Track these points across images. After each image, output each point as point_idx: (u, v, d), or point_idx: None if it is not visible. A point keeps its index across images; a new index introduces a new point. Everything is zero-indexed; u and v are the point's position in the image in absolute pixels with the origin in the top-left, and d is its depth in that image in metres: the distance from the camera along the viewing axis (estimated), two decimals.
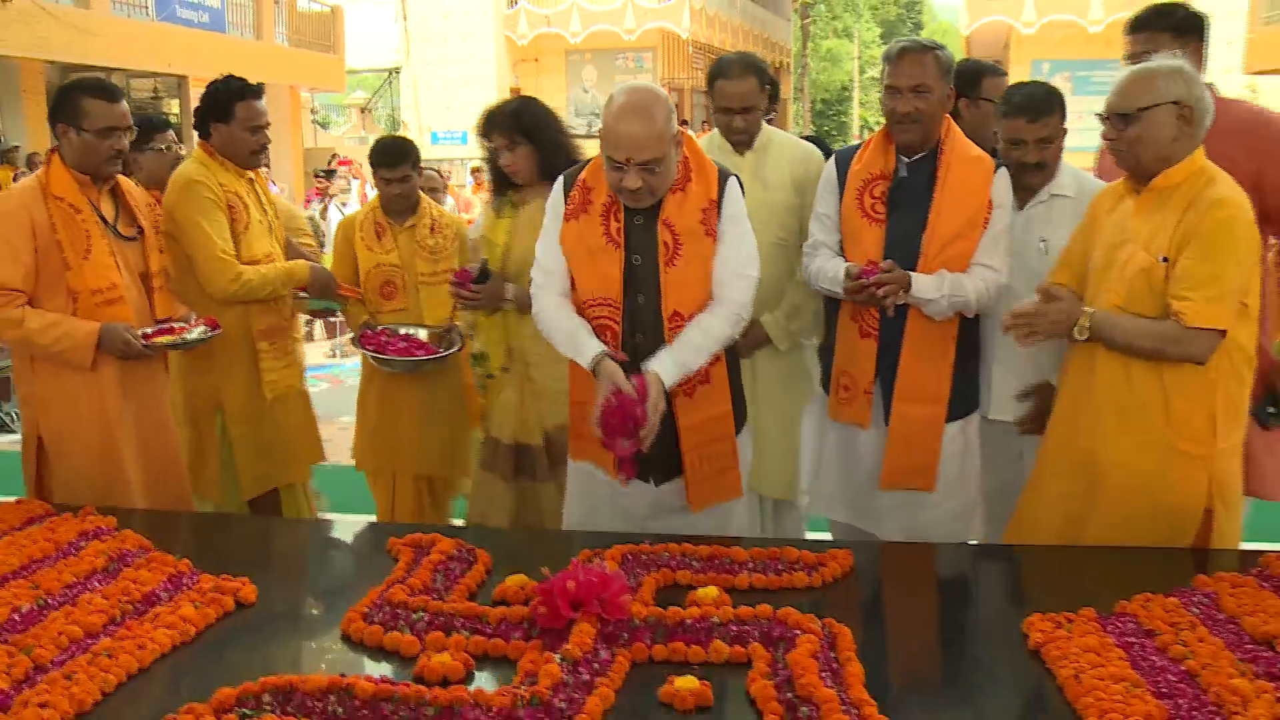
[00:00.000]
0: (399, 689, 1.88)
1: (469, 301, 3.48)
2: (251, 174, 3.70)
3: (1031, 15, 25.11)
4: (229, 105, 3.55)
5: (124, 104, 3.19)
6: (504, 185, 3.58)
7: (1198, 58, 3.14)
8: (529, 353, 3.47)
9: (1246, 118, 3.14)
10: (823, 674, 1.95)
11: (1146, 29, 3.17)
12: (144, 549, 2.60)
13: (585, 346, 2.74)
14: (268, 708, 1.86)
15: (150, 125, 4.14)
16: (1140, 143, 2.66)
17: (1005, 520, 3.33)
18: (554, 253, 2.85)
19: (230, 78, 3.65)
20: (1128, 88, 2.69)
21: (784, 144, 3.57)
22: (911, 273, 2.94)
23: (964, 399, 3.09)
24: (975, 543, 3.23)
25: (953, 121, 3.04)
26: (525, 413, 3.52)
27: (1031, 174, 3.12)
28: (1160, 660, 2.06)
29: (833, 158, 3.19)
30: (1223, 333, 2.58)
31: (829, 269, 3.07)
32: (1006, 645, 2.20)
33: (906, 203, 2.99)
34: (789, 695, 1.90)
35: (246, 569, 2.50)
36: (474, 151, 24.75)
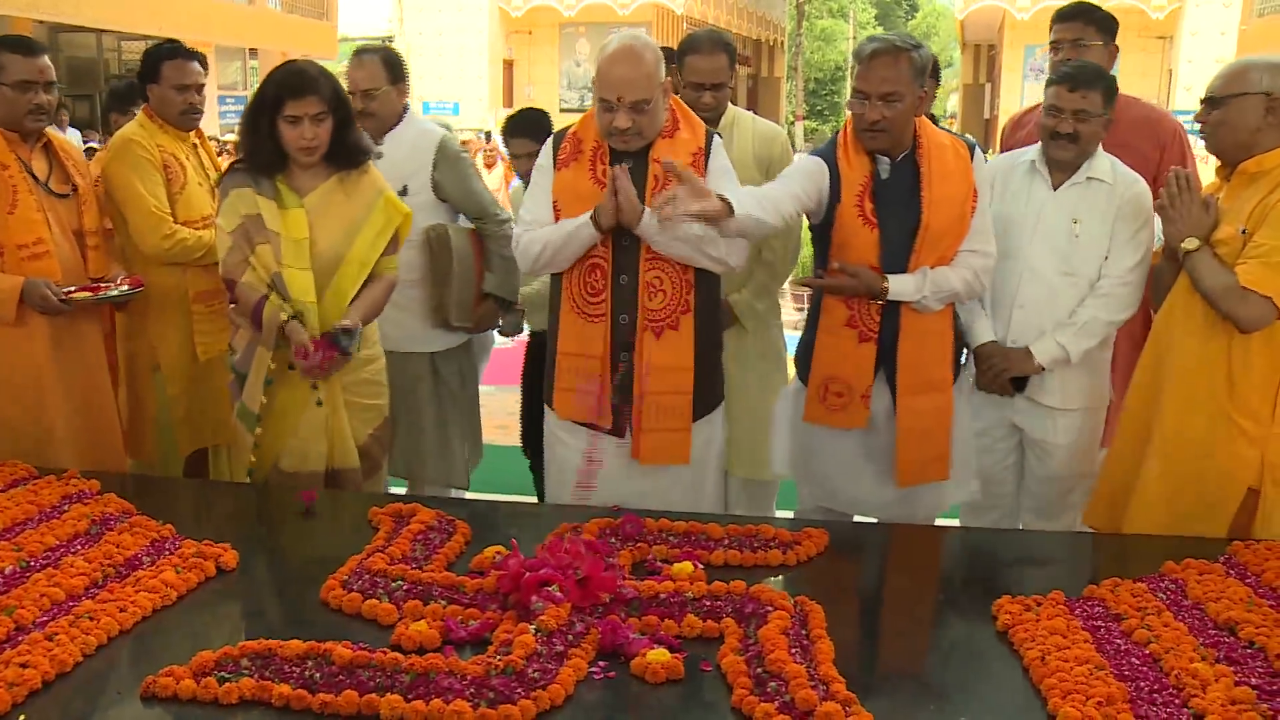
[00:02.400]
0: (375, 656, 1.92)
1: (333, 370, 2.97)
2: (196, 139, 3.73)
3: (1026, 0, 25.05)
4: (157, 66, 3.59)
5: (43, 60, 3.22)
6: (271, 165, 3.01)
7: (1113, 57, 3.51)
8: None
9: (1150, 112, 3.62)
10: (792, 650, 1.99)
11: (1076, 19, 3.50)
12: (127, 513, 2.62)
13: (576, 220, 2.83)
14: (246, 672, 1.89)
15: (131, 91, 4.20)
16: (1223, 127, 2.79)
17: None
18: (542, 207, 2.93)
19: (166, 41, 3.69)
20: (1225, 73, 2.82)
21: (748, 123, 3.59)
22: (890, 275, 2.87)
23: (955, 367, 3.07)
24: (954, 524, 3.27)
25: (922, 117, 2.95)
26: (340, 433, 3.08)
27: (1061, 145, 3.05)
28: (1125, 644, 2.10)
29: (819, 158, 2.99)
30: (1272, 303, 2.67)
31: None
32: (977, 626, 2.24)
33: (894, 204, 2.89)
34: (758, 670, 1.94)
35: (229, 535, 2.52)
36: (466, 122, 24.69)
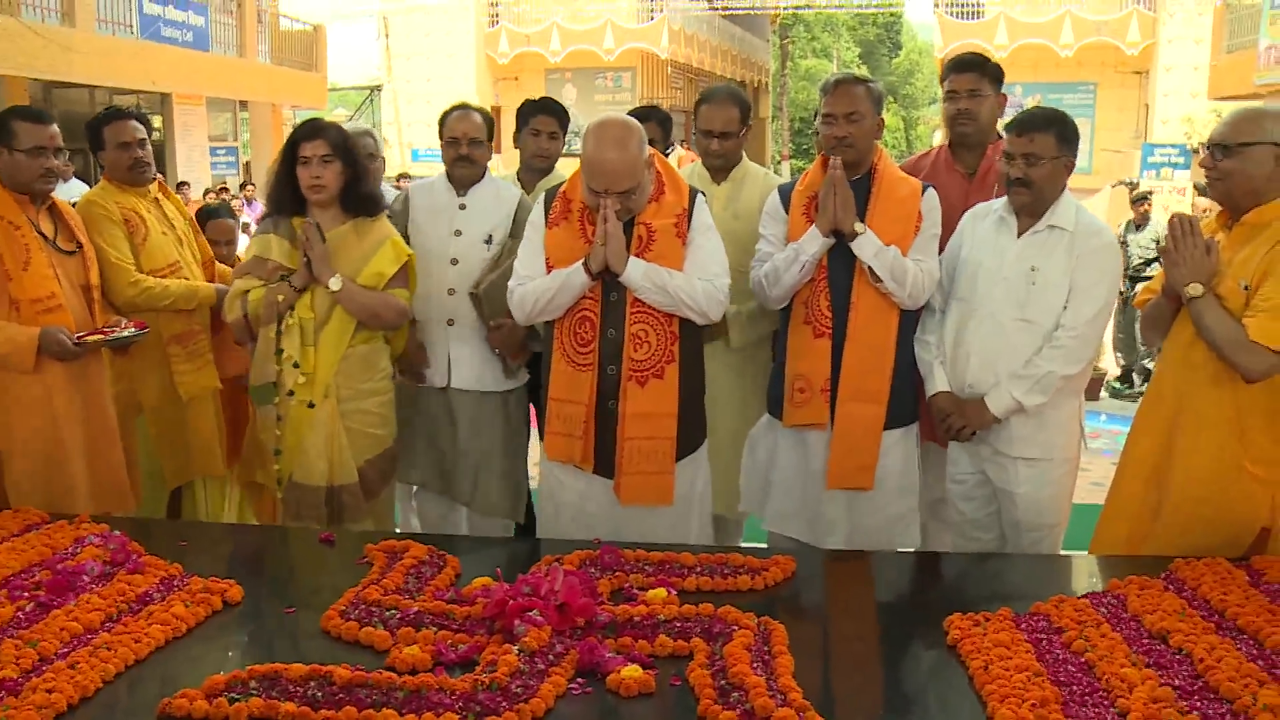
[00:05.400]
0: (372, 676, 2.09)
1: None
2: (159, 193, 3.96)
3: (1004, 39, 25.47)
4: (99, 132, 3.84)
5: (53, 128, 3.44)
6: (290, 206, 3.48)
7: (1002, 106, 3.70)
8: (342, 388, 3.43)
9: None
10: (754, 664, 2.16)
11: (972, 70, 3.67)
12: (137, 554, 2.78)
13: (568, 269, 3.05)
14: (254, 692, 2.06)
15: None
16: (1233, 176, 2.82)
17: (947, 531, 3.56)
18: (534, 262, 3.15)
19: (105, 109, 3.98)
20: (1233, 122, 2.85)
21: (758, 178, 3.83)
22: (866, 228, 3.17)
23: (904, 407, 3.29)
24: (912, 550, 3.44)
25: (883, 150, 3.32)
26: (339, 452, 3.41)
27: (1015, 191, 3.14)
28: (1063, 653, 2.27)
29: (775, 191, 3.43)
30: (1279, 356, 2.70)
31: (785, 253, 3.24)
32: (929, 641, 2.41)
33: None
34: (722, 682, 2.11)
35: (234, 573, 2.69)
36: None
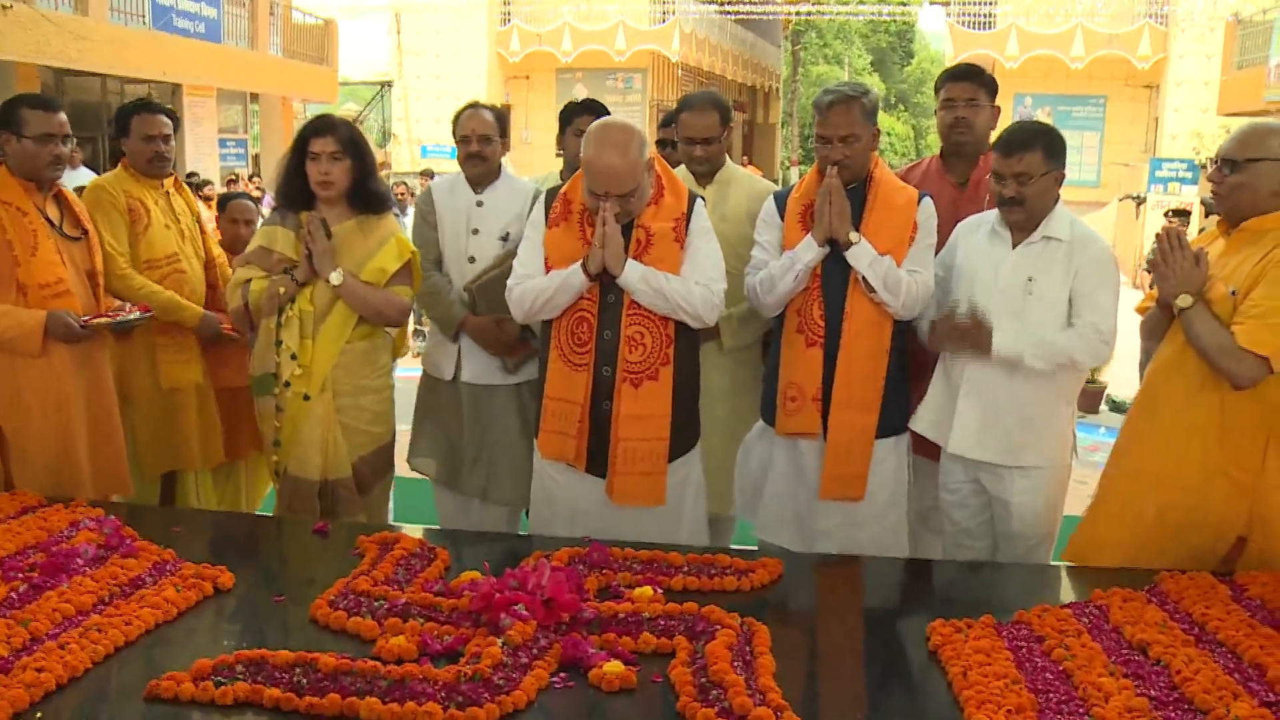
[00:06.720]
0: (357, 664, 2.12)
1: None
2: (171, 188, 4.02)
3: (1015, 50, 25.52)
4: (127, 121, 3.91)
5: (61, 115, 3.48)
6: (299, 200, 3.52)
7: (996, 117, 3.72)
8: (339, 383, 3.46)
9: None
10: (735, 663, 2.19)
11: (969, 80, 3.70)
12: (130, 539, 2.81)
13: (567, 269, 3.07)
14: (240, 677, 2.09)
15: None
16: (1240, 190, 2.88)
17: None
18: (533, 261, 3.18)
19: (137, 99, 4.06)
20: (1242, 137, 2.91)
21: (743, 180, 3.86)
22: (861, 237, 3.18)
23: (894, 417, 3.29)
24: (900, 558, 3.46)
25: (879, 158, 3.32)
26: (334, 446, 3.45)
27: (1008, 209, 3.16)
28: (1043, 661, 2.30)
29: (771, 197, 3.45)
30: (1267, 362, 2.74)
31: (780, 261, 3.25)
32: (911, 647, 2.44)
33: None
34: (703, 680, 2.14)
35: (226, 559, 2.72)
36: None
